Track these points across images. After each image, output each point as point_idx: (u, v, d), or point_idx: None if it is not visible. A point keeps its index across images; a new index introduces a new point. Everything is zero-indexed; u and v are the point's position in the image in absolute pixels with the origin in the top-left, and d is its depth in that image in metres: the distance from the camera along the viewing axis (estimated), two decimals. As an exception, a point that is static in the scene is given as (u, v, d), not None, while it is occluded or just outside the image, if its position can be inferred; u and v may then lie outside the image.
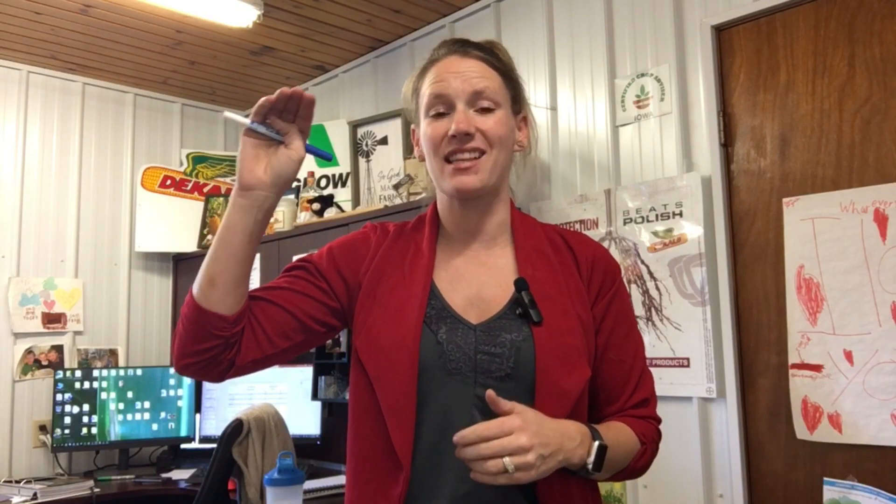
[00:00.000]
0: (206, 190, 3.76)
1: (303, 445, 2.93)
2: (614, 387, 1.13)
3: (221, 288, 1.01)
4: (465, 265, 1.14)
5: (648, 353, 2.22)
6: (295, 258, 3.23)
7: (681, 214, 2.19)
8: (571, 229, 1.23)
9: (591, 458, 0.98)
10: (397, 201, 2.81)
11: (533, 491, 1.03)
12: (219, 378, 1.06)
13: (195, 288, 1.02)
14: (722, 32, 2.18)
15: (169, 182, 3.70)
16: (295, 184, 3.43)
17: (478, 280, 1.12)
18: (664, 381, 2.18)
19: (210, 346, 1.01)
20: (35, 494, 2.73)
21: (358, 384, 1.10)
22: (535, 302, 1.07)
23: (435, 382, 1.04)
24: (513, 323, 1.07)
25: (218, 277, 1.01)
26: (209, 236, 3.62)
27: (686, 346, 2.15)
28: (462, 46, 1.14)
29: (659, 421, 1.17)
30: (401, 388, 1.03)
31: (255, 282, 3.18)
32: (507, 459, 0.88)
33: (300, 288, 1.11)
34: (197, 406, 3.40)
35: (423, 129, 1.12)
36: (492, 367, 1.04)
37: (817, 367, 1.92)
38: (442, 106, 1.10)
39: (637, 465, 1.12)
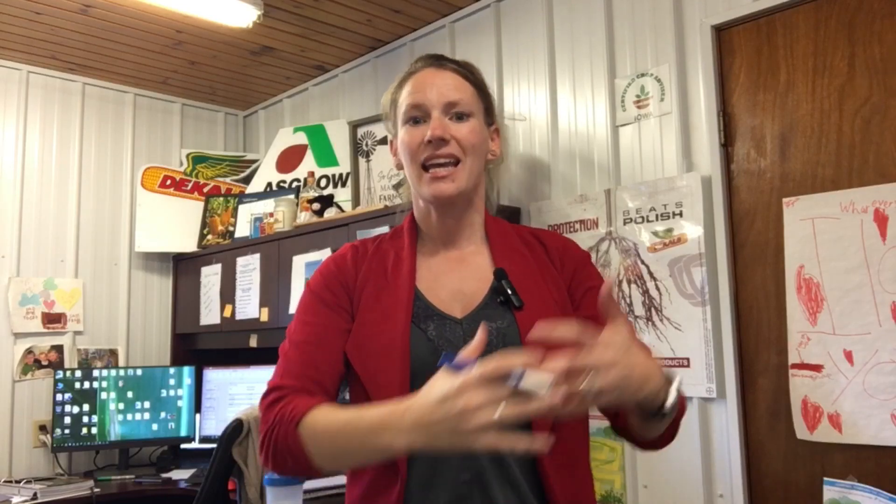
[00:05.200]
0: (205, 190, 3.76)
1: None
2: None
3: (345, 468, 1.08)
4: (445, 265, 1.19)
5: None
6: (295, 258, 3.18)
7: (681, 214, 2.19)
8: (541, 229, 1.32)
9: (671, 400, 0.96)
10: (397, 201, 2.81)
11: (537, 476, 1.05)
12: None
13: (317, 458, 1.00)
14: (722, 32, 2.18)
15: (169, 182, 3.70)
16: (295, 183, 3.44)
17: (458, 277, 1.17)
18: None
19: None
20: (35, 494, 2.73)
21: (354, 390, 1.14)
22: (515, 289, 1.12)
23: (429, 378, 1.05)
24: (496, 311, 1.12)
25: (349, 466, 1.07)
26: (209, 236, 3.62)
27: (686, 346, 2.15)
28: (438, 60, 1.20)
29: None
30: (393, 386, 1.05)
31: (254, 282, 3.18)
32: (585, 384, 0.83)
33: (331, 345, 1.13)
34: (197, 406, 3.40)
35: (401, 136, 1.17)
36: (482, 356, 1.06)
37: (817, 367, 1.92)
38: (418, 114, 1.15)
39: (671, 433, 1.10)
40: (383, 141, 3.13)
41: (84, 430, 3.17)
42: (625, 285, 2.31)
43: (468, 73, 1.21)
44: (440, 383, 0.86)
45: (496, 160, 1.25)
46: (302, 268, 2.97)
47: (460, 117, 1.15)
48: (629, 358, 0.88)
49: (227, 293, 3.32)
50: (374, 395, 1.07)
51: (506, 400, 0.80)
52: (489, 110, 1.23)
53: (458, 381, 0.83)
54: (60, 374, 3.17)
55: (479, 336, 0.90)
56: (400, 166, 1.22)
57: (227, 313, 3.30)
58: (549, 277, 1.17)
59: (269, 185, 3.55)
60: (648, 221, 2.27)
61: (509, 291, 1.11)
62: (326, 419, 0.99)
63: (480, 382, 0.81)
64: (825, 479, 1.87)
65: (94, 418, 3.19)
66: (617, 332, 0.89)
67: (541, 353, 0.83)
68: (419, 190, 1.17)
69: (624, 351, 0.87)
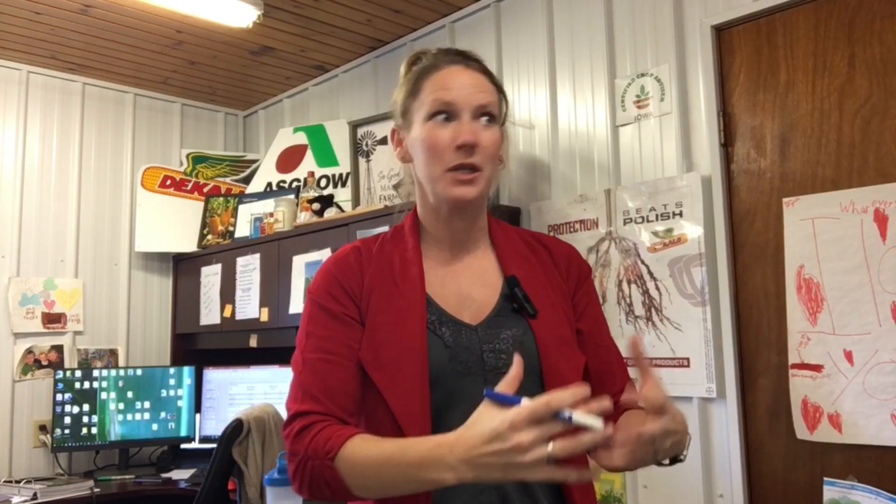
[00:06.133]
0: (205, 190, 3.76)
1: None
2: (606, 370, 1.18)
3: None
4: (451, 268, 1.17)
5: (648, 353, 2.23)
6: (295, 258, 3.17)
7: (681, 214, 2.19)
8: (543, 233, 1.32)
9: (686, 452, 1.02)
10: (397, 201, 2.81)
11: (557, 487, 1.07)
12: None
13: (357, 490, 0.98)
14: (722, 32, 2.18)
15: (169, 182, 3.70)
16: (295, 183, 3.43)
17: (465, 282, 1.15)
18: (664, 382, 2.17)
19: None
20: (35, 494, 2.73)
21: (368, 399, 1.09)
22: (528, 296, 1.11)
23: (449, 386, 1.06)
24: (509, 319, 1.11)
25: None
26: (209, 236, 3.62)
27: (686, 346, 2.15)
28: (464, 58, 1.16)
29: None
30: (413, 393, 1.03)
31: (254, 282, 3.18)
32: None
33: (346, 364, 1.09)
34: (197, 406, 3.40)
35: (423, 132, 1.11)
36: (498, 364, 1.08)
37: (817, 367, 1.92)
38: (447, 112, 1.10)
39: None
40: (383, 141, 3.12)
41: (84, 430, 3.17)
42: (625, 285, 2.31)
43: (492, 76, 1.17)
44: (488, 418, 0.85)
45: (501, 165, 1.22)
46: (302, 268, 2.97)
47: (490, 122, 1.11)
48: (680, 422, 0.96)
49: (227, 293, 3.32)
50: (392, 403, 1.04)
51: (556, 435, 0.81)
52: (504, 115, 1.21)
53: (509, 417, 0.82)
54: (60, 374, 3.17)
55: (516, 367, 0.89)
56: (405, 159, 1.17)
57: (227, 313, 3.30)
58: (554, 284, 1.17)
59: (269, 185, 3.55)
60: (648, 221, 2.27)
61: (523, 299, 1.10)
62: (365, 454, 0.96)
63: (531, 419, 0.81)
64: (825, 479, 1.87)
65: (94, 418, 3.19)
66: (662, 394, 0.93)
67: (586, 389, 0.83)
68: (436, 189, 1.12)
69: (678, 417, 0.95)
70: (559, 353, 1.08)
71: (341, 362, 1.07)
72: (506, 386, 0.87)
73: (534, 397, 0.90)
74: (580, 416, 0.80)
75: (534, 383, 1.06)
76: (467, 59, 1.16)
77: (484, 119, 1.11)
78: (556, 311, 1.13)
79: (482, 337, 1.09)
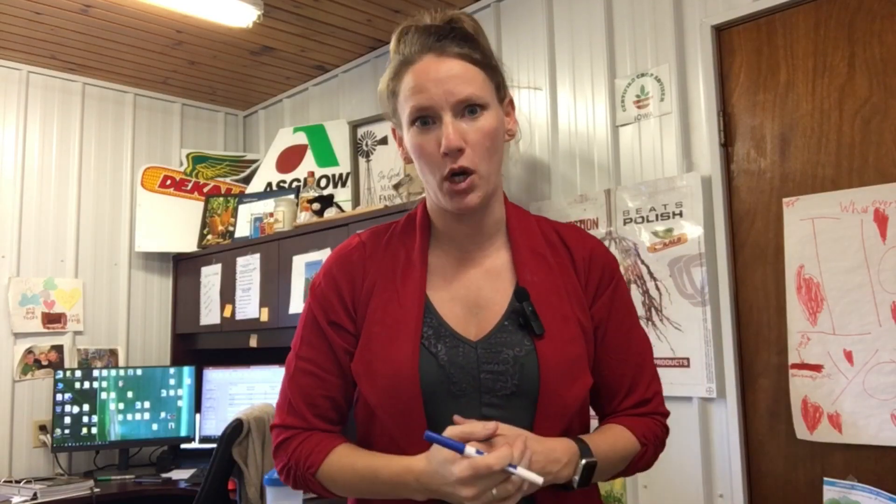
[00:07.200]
0: (205, 190, 3.76)
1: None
2: (619, 386, 1.12)
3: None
4: (461, 267, 1.10)
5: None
6: (295, 258, 3.16)
7: (681, 214, 2.19)
8: (567, 223, 1.20)
9: (577, 477, 1.00)
10: (397, 201, 2.81)
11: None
12: None
13: (340, 493, 1.07)
14: (722, 32, 2.18)
15: (169, 182, 3.70)
16: (295, 183, 3.43)
17: (475, 284, 1.09)
18: (664, 381, 2.16)
19: None
20: (35, 494, 2.73)
21: (365, 414, 1.08)
22: (537, 312, 1.04)
23: (441, 407, 1.01)
24: (514, 336, 1.04)
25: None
26: (209, 236, 3.62)
27: (686, 346, 2.15)
28: (437, 42, 1.04)
29: (665, 415, 1.17)
30: (409, 414, 1.01)
31: (254, 282, 3.18)
32: (494, 491, 0.91)
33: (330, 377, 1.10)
34: (197, 406, 3.40)
35: (411, 139, 1.05)
36: (496, 386, 1.03)
37: (817, 367, 1.92)
38: (428, 117, 1.02)
39: (638, 466, 1.12)
40: (383, 141, 3.13)
41: (84, 430, 3.17)
42: (625, 285, 2.31)
43: (472, 51, 1.05)
44: (442, 460, 0.92)
45: (514, 139, 1.14)
46: (302, 268, 2.97)
47: (473, 111, 1.02)
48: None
49: (227, 293, 3.32)
50: (384, 419, 1.02)
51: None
52: (500, 84, 1.09)
53: (456, 472, 0.90)
54: (60, 374, 3.17)
55: (481, 430, 0.93)
56: (408, 160, 1.10)
57: (227, 313, 3.30)
58: (571, 292, 1.09)
59: (269, 185, 3.55)
60: (648, 221, 2.27)
61: (531, 316, 1.03)
62: (343, 472, 1.04)
63: (475, 476, 0.89)
64: (825, 479, 1.86)
65: (94, 418, 3.19)
66: (505, 437, 0.95)
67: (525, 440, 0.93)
68: (439, 199, 1.05)
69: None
70: (562, 377, 1.02)
71: (326, 377, 1.08)
72: (456, 438, 0.92)
73: (524, 419, 1.00)
74: (523, 472, 0.89)
75: (528, 407, 1.02)
76: (441, 44, 1.04)
77: (469, 112, 1.02)
78: (567, 326, 1.05)
79: (481, 356, 1.03)
